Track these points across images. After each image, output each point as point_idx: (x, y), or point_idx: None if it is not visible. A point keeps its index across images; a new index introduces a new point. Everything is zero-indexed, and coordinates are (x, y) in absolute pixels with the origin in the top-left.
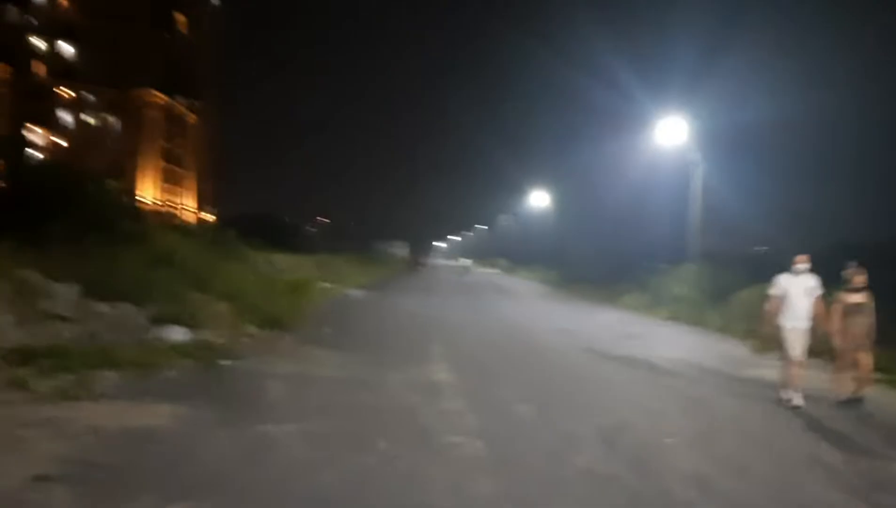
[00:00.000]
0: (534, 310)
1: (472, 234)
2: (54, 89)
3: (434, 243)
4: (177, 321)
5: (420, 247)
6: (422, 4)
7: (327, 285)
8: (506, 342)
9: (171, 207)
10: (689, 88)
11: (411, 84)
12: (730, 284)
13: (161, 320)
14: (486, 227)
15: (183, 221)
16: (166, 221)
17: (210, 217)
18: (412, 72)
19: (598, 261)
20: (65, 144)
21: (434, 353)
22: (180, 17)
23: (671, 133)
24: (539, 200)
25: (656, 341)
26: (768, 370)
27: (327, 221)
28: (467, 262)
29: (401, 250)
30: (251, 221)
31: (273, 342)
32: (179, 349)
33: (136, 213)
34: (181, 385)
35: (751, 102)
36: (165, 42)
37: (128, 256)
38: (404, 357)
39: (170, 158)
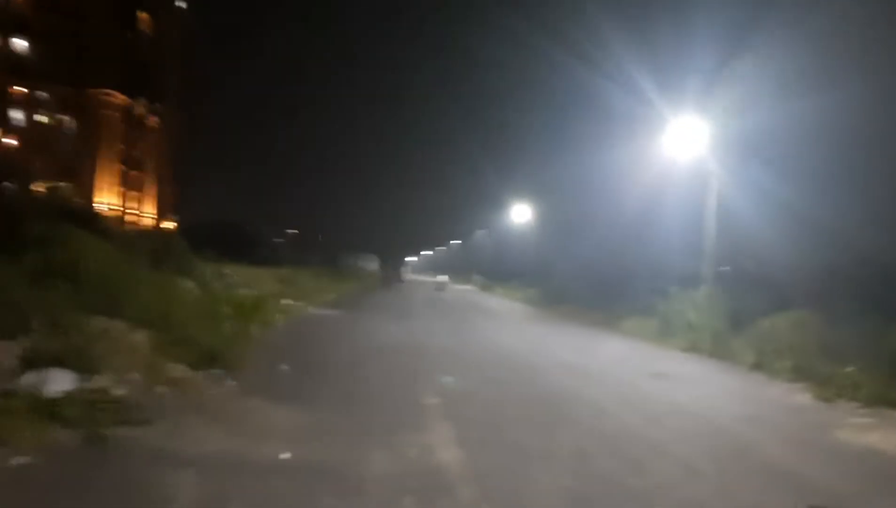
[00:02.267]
0: (528, 337)
1: (445, 249)
2: (6, 87)
3: (406, 257)
4: (62, 360)
5: (392, 261)
6: (396, 5)
7: (290, 302)
8: (512, 386)
9: (129, 213)
10: (703, 88)
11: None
12: (749, 309)
13: (38, 359)
14: (459, 242)
15: (135, 227)
16: (113, 226)
17: (171, 225)
18: (387, 78)
19: (587, 280)
20: (15, 143)
21: (427, 408)
22: (143, 17)
23: (681, 139)
24: (520, 214)
25: (691, 384)
26: (869, 433)
27: (295, 232)
28: (444, 278)
29: (372, 263)
30: (212, 230)
31: (204, 391)
32: (54, 408)
33: (59, 214)
34: (22, 487)
35: (773, 104)
36: (127, 41)
37: (7, 268)
38: (388, 416)
39: (129, 161)
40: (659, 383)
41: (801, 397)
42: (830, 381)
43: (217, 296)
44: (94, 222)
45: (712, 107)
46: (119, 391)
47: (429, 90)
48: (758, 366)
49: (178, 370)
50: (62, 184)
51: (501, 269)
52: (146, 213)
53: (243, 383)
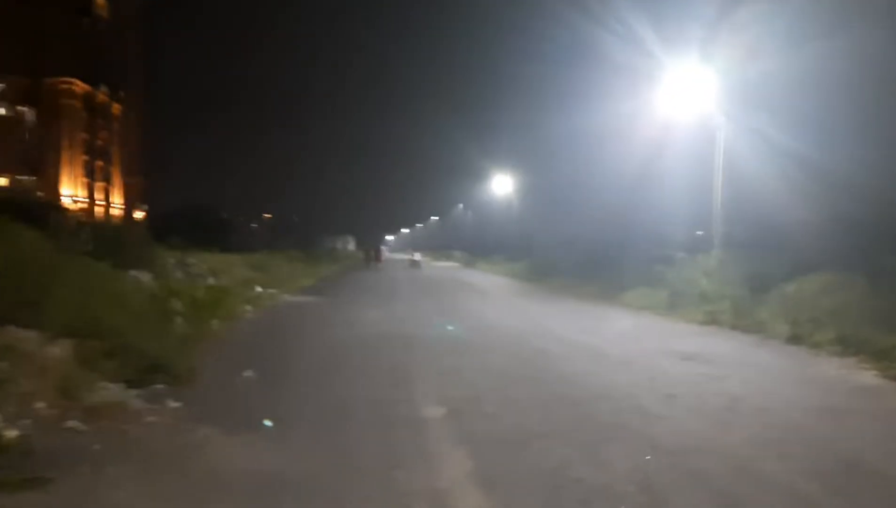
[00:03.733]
0: (525, 316)
1: (423, 226)
2: None
3: (385, 236)
4: None
5: (370, 241)
6: None
7: (262, 290)
8: (527, 383)
9: (97, 205)
10: (706, 36)
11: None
12: (768, 273)
13: None
14: (437, 218)
15: (97, 219)
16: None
17: (140, 214)
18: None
19: (577, 251)
20: None
21: (430, 424)
22: (100, 2)
23: (684, 92)
24: (501, 185)
25: (731, 366)
26: None
27: (269, 216)
28: (417, 255)
29: (350, 244)
30: (183, 216)
31: (138, 420)
32: None
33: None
34: None
35: (782, 50)
36: (84, 27)
37: None
38: (382, 443)
39: (93, 151)
40: (694, 367)
41: (865, 376)
42: (888, 355)
43: (175, 289)
44: (40, 214)
45: (717, 55)
46: (10, 434)
47: (403, 56)
48: (795, 339)
49: (107, 391)
50: (24, 178)
51: (483, 243)
52: (115, 204)
53: (193, 402)
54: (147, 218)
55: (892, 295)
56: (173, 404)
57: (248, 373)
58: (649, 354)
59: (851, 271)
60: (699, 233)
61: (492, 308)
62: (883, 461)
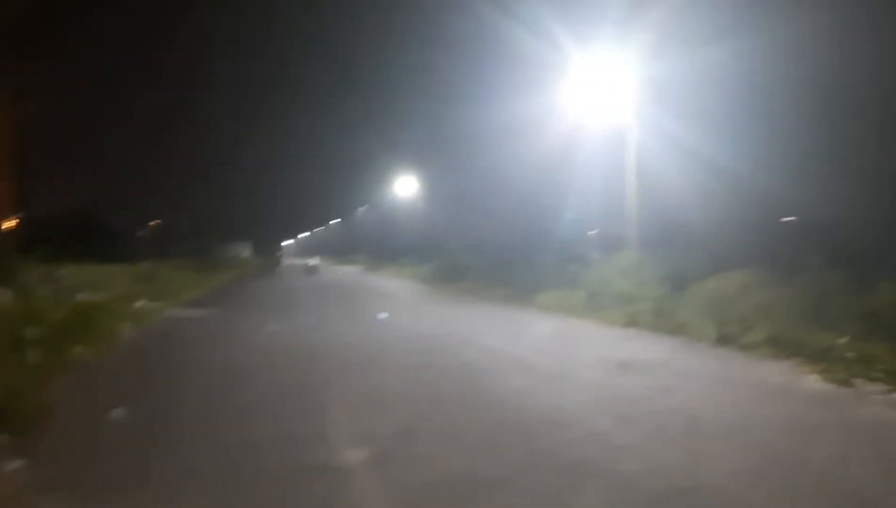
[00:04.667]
0: (441, 323)
1: (324, 229)
2: None
3: (283, 241)
4: None
5: (267, 247)
6: None
7: (146, 304)
8: (457, 406)
9: None
10: (618, 34)
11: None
12: (684, 273)
13: None
14: (339, 220)
15: None
16: None
17: (11, 223)
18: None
19: (488, 252)
20: None
21: (351, 476)
22: None
23: (595, 89)
24: (406, 186)
25: (669, 375)
26: None
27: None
28: (315, 260)
29: (246, 251)
30: (60, 224)
31: None
32: None
33: None
34: None
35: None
36: None
37: None
38: None
39: None
40: (634, 379)
41: (810, 381)
42: (825, 356)
43: (34, 309)
44: None
45: (628, 54)
46: None
47: (299, 53)
48: (724, 340)
49: None
50: None
51: (389, 247)
52: None
53: (40, 459)
54: (19, 226)
55: (812, 293)
56: (13, 463)
57: (117, 413)
58: (583, 364)
59: (764, 269)
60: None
61: (404, 316)
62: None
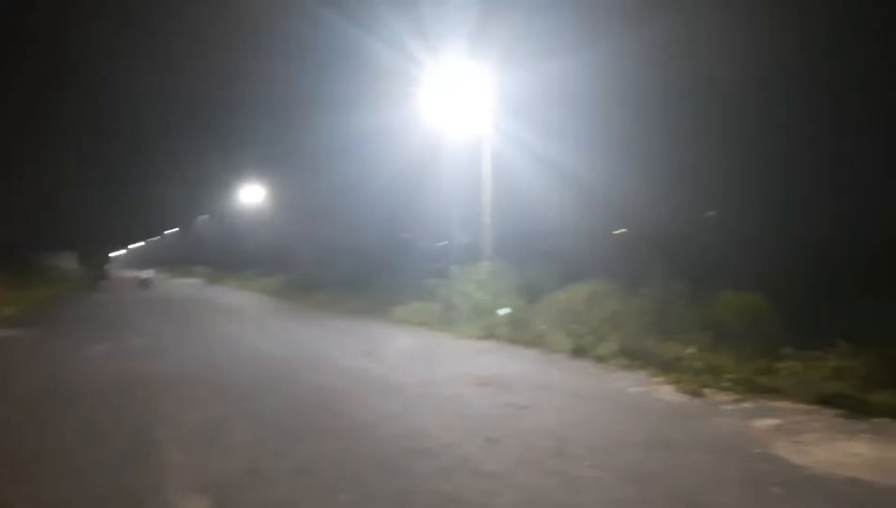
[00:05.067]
0: (293, 340)
1: (160, 239)
2: None
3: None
4: None
5: (95, 258)
6: None
7: None
8: (320, 440)
9: None
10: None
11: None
12: (538, 284)
13: None
14: (177, 229)
15: None
16: None
17: None
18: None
19: (341, 263)
20: None
21: None
22: None
23: (454, 96)
24: (252, 195)
25: (529, 391)
26: (810, 447)
27: None
28: (149, 273)
29: (70, 262)
30: None
31: None
32: None
33: None
34: None
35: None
36: None
37: None
38: None
39: None
40: (496, 395)
41: (664, 392)
42: (675, 366)
43: None
44: None
45: (487, 65)
46: None
47: (132, 52)
48: (579, 352)
49: None
50: None
51: (233, 258)
52: None
53: None
54: None
55: (657, 303)
56: None
57: None
58: (445, 381)
59: (611, 279)
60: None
61: (250, 335)
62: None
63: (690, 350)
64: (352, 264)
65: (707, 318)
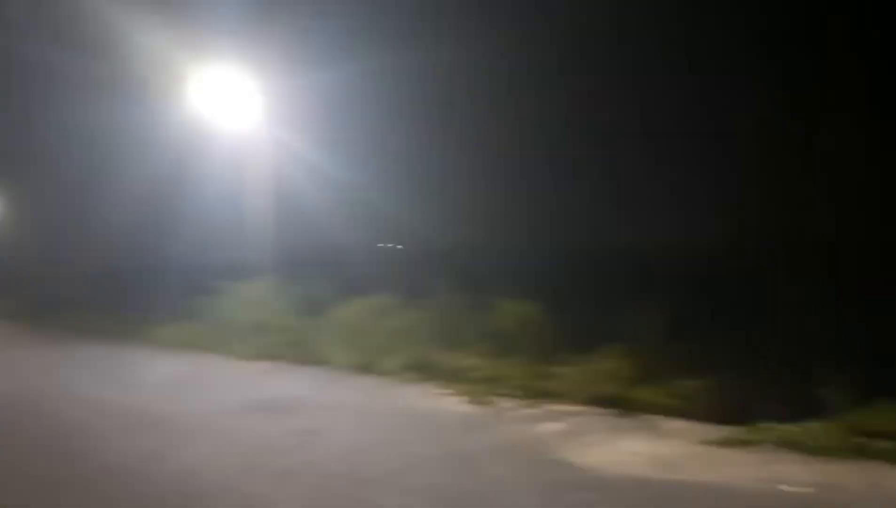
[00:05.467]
0: (34, 371)
1: None
2: None
3: None
4: None
5: None
6: None
7: None
8: (74, 491)
9: None
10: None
11: None
12: (321, 300)
13: None
14: None
15: None
16: None
17: None
18: None
19: (87, 282)
20: None
21: None
22: None
23: (223, 101)
24: None
25: (320, 415)
26: (590, 448)
27: None
28: None
29: None
30: None
31: None
32: None
33: None
34: None
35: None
36: None
37: None
38: None
39: None
40: (282, 422)
41: (452, 403)
42: (463, 377)
43: None
44: None
45: (265, 69)
46: None
47: None
48: (364, 368)
49: None
50: None
51: None
52: None
53: None
54: None
55: (442, 316)
56: None
57: None
58: (218, 409)
59: (395, 293)
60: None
61: None
62: None
63: (475, 361)
64: (106, 282)
65: (489, 328)
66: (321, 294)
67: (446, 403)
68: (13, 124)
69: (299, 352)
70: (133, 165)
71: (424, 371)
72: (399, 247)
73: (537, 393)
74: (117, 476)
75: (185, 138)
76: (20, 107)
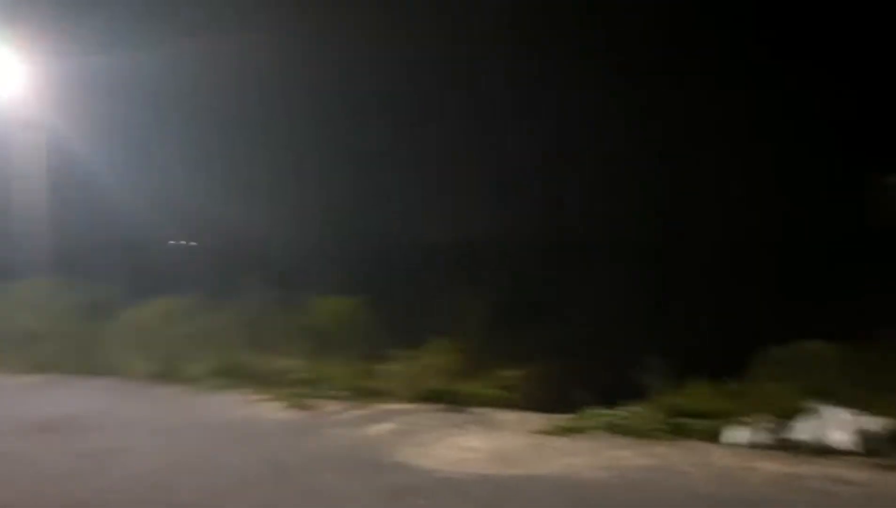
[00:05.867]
0: None
1: None
2: None
3: None
4: None
5: None
6: None
7: None
8: None
9: None
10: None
11: None
12: (107, 303)
13: None
14: None
15: None
16: None
17: None
18: None
19: None
20: None
21: None
22: None
23: None
24: None
25: (123, 433)
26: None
27: None
28: None
29: None
30: None
31: None
32: None
33: None
34: None
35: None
36: None
37: None
38: None
39: None
40: (63, 444)
41: (273, 409)
42: (280, 380)
43: None
44: None
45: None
46: None
47: None
48: (164, 376)
49: None
50: None
51: None
52: None
53: None
54: None
55: (251, 316)
56: None
57: None
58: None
59: (193, 293)
60: None
61: None
62: None
63: (292, 362)
64: None
65: (305, 326)
66: (109, 296)
67: (264, 410)
68: None
69: (87, 362)
70: None
71: (235, 377)
72: (194, 244)
73: (363, 393)
74: None
75: None
76: None
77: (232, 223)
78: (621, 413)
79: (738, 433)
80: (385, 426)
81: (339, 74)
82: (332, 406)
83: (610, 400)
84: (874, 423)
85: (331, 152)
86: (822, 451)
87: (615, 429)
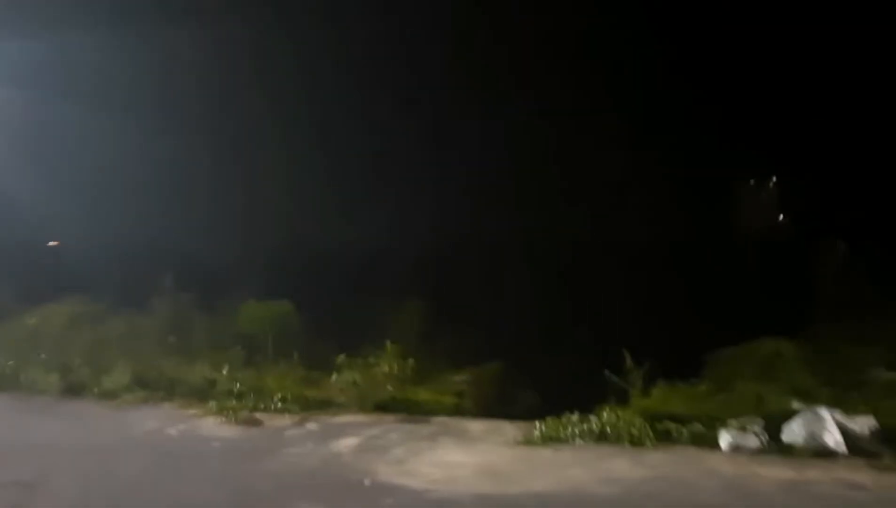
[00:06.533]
0: None
1: None
2: None
3: None
4: None
5: None
6: None
7: None
8: None
9: None
10: None
11: None
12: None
13: None
14: None
15: None
16: None
17: None
18: None
19: None
20: None
21: None
22: None
23: None
24: None
25: (39, 457)
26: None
27: None
28: None
29: None
30: None
31: None
32: None
33: None
34: None
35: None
36: None
37: None
38: None
39: None
40: None
41: (209, 425)
42: (211, 393)
43: None
44: None
45: None
46: None
47: None
48: (75, 390)
49: None
50: None
51: None
52: None
53: None
54: None
55: (168, 323)
56: None
57: None
58: None
59: (106, 297)
60: None
61: None
62: None
63: (223, 372)
64: None
65: (233, 332)
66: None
67: (202, 426)
68: None
69: None
70: None
71: (159, 389)
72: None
73: (310, 405)
74: None
75: None
76: None
77: (142, 223)
78: (598, 420)
79: (731, 438)
80: (349, 442)
81: (265, 75)
82: (280, 421)
83: (567, 403)
84: (858, 424)
85: (259, 154)
86: (817, 454)
87: (599, 438)
